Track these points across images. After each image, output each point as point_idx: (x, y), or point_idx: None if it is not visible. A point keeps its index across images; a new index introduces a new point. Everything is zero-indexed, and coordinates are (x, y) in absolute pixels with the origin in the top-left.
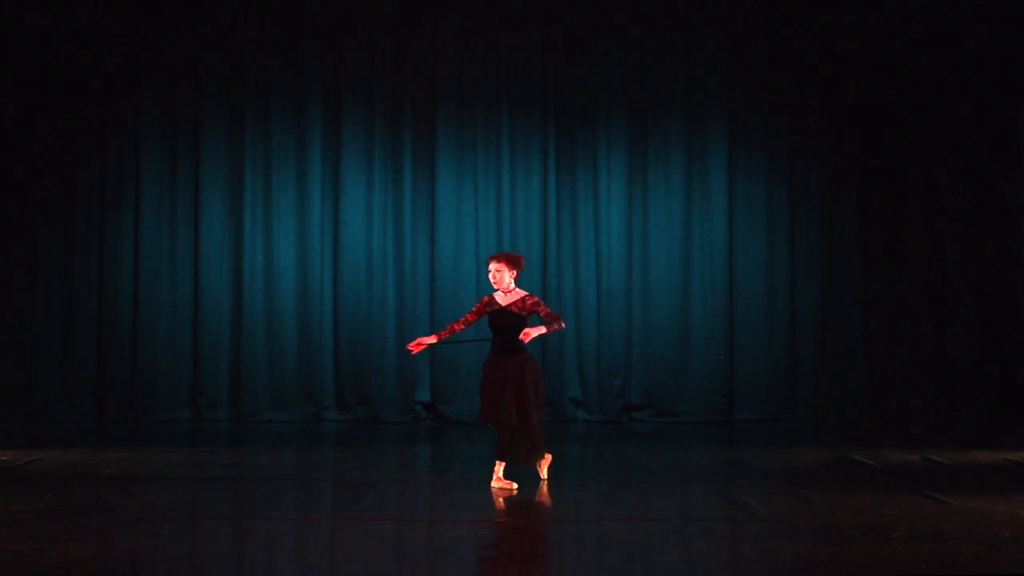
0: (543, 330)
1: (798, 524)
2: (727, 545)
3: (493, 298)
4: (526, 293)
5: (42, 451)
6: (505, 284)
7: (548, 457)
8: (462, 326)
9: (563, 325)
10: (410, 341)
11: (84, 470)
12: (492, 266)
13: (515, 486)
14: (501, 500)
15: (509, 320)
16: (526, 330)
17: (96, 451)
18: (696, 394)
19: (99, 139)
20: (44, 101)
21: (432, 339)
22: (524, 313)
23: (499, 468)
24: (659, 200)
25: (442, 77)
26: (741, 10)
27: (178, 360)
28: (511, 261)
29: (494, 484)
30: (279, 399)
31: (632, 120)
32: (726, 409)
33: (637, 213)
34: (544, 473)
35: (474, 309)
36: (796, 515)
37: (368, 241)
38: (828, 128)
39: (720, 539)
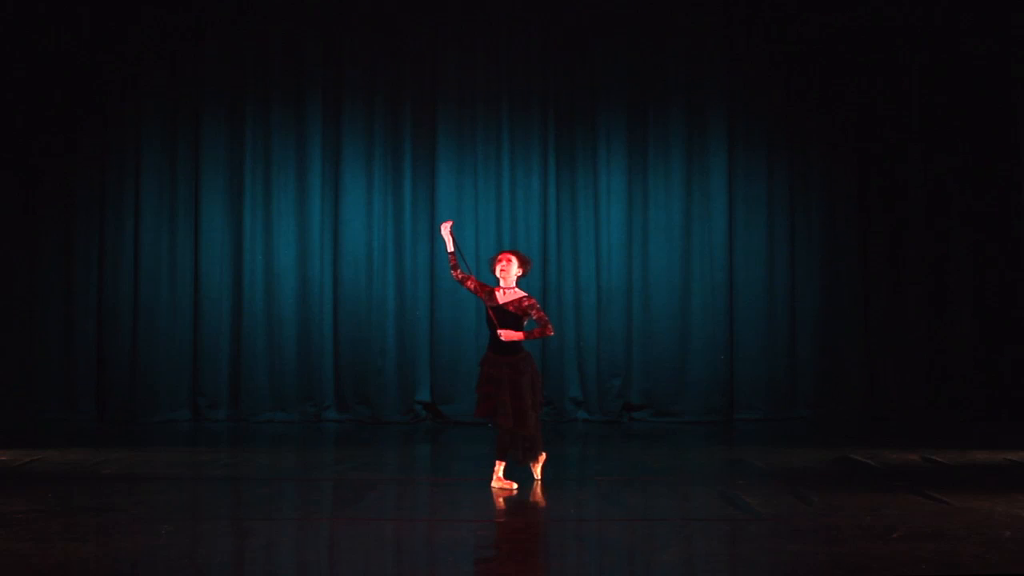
0: (522, 336)
1: (798, 524)
2: (727, 545)
3: (494, 293)
4: (524, 294)
5: (42, 451)
6: (510, 277)
7: (543, 456)
8: (459, 272)
9: (550, 332)
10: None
11: (84, 470)
12: (502, 257)
13: (515, 486)
14: (501, 500)
15: (506, 318)
16: (508, 332)
17: (96, 451)
18: (696, 394)
19: (99, 139)
20: (44, 101)
21: (452, 247)
22: (520, 313)
23: (499, 468)
24: (659, 200)
25: (442, 77)
26: (741, 10)
27: (178, 360)
28: (521, 258)
29: (494, 484)
30: (279, 399)
31: (632, 120)
32: (726, 409)
33: (637, 213)
34: (537, 473)
35: (478, 282)
36: (796, 515)
37: (368, 241)
38: (828, 128)
39: (720, 539)
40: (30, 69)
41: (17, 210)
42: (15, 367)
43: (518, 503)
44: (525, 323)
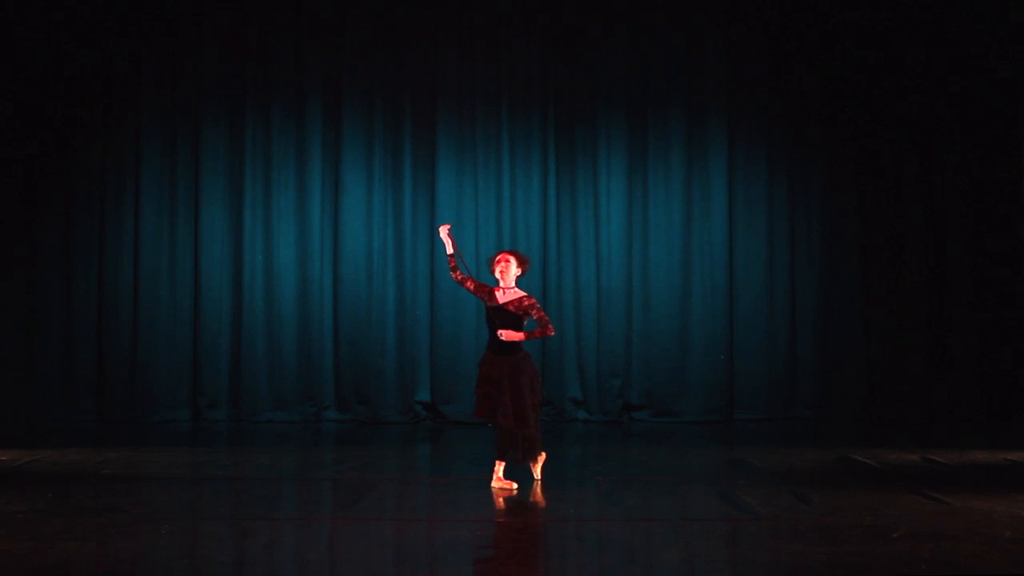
0: (522, 336)
1: (798, 524)
2: (727, 545)
3: (493, 293)
4: (524, 293)
5: (42, 451)
6: (509, 277)
7: (542, 456)
8: (458, 274)
9: (551, 332)
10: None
11: (84, 470)
12: (501, 257)
13: (515, 486)
14: (501, 500)
15: (506, 318)
16: (508, 332)
17: (96, 451)
18: (696, 394)
19: (99, 139)
20: (44, 101)
21: (451, 249)
22: (520, 312)
23: (499, 468)
24: (659, 200)
25: (442, 77)
26: (741, 10)
27: (178, 360)
28: (520, 258)
29: (494, 484)
30: (279, 399)
31: (632, 120)
32: (726, 409)
33: (637, 213)
34: (537, 473)
35: (477, 283)
36: (796, 515)
37: (368, 241)
38: (828, 128)
39: (720, 539)
40: (30, 68)
41: (17, 210)
42: (15, 367)
43: (518, 503)
44: (525, 323)
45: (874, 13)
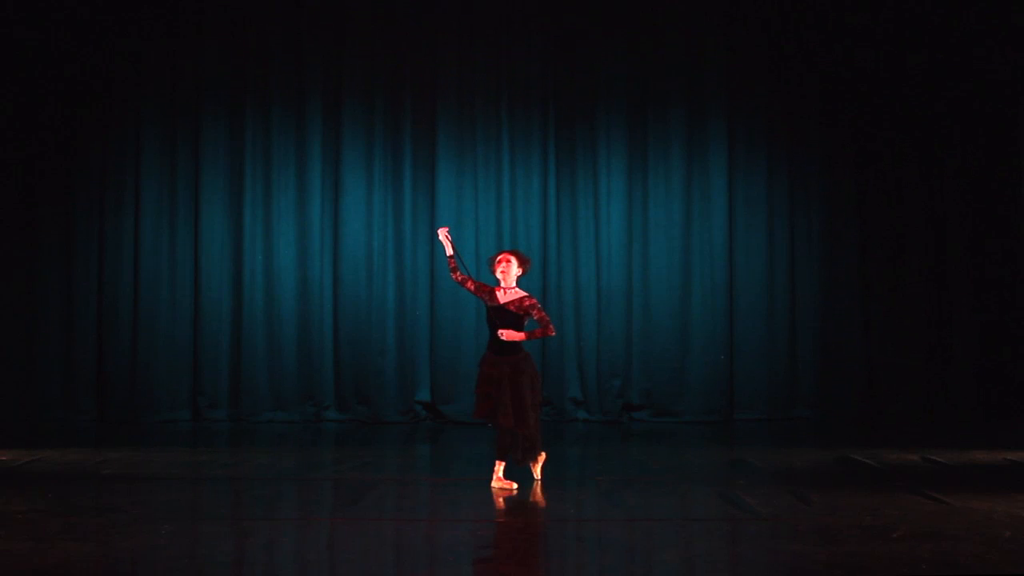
0: (523, 336)
1: (798, 524)
2: (727, 545)
3: (494, 293)
4: (525, 293)
5: (42, 451)
6: (510, 277)
7: (542, 456)
8: (458, 275)
9: (552, 332)
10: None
11: (84, 470)
12: (502, 257)
13: (515, 486)
14: (501, 500)
15: (506, 318)
16: (509, 331)
17: (96, 451)
18: (696, 394)
19: (99, 139)
20: (44, 101)
21: (451, 251)
22: (521, 312)
23: (499, 468)
24: (659, 200)
25: (442, 77)
26: (741, 10)
27: (178, 360)
28: (520, 258)
29: (494, 484)
30: (279, 399)
31: (632, 120)
32: (726, 409)
33: (637, 213)
34: (537, 473)
35: (478, 283)
36: (796, 515)
37: (368, 241)
38: (828, 128)
39: (720, 539)
40: (30, 69)
41: (17, 210)
42: (15, 367)
43: (518, 503)
44: (526, 323)
45: (874, 14)
